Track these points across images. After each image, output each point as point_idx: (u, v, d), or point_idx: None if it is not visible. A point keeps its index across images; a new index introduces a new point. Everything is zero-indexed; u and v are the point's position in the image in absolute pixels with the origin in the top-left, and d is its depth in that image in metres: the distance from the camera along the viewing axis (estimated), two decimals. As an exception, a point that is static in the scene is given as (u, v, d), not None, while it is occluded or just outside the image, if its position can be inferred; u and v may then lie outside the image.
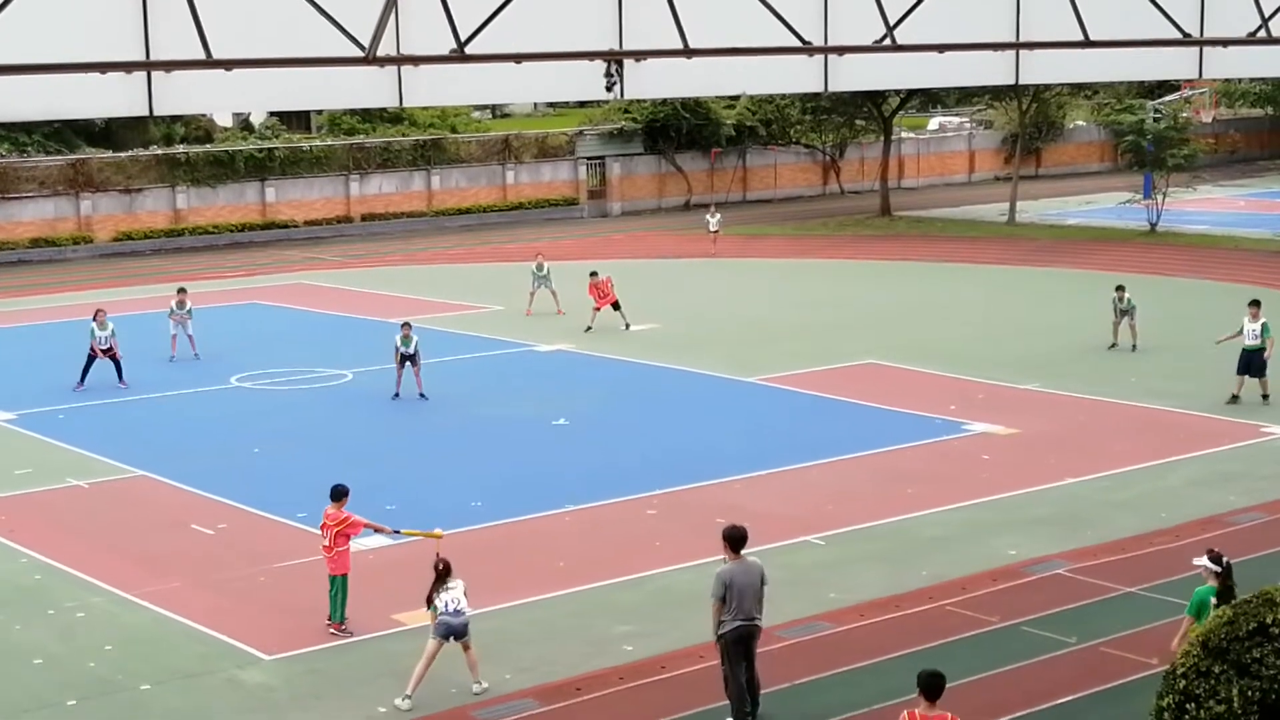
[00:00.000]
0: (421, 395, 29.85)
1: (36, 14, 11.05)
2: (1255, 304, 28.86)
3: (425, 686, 15.75)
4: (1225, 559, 14.85)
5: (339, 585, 17.75)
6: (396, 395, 29.88)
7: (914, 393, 29.75)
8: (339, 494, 17.72)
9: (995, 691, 15.84)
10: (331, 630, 17.75)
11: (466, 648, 15.93)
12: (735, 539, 15.11)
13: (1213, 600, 14.44)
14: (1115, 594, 18.49)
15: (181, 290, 35.09)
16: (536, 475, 24.51)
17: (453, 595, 15.78)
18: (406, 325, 30.23)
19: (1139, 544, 20.14)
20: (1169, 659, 14.09)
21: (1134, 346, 33.42)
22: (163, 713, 15.86)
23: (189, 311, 34.48)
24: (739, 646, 14.97)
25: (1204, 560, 14.92)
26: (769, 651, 16.30)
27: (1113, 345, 33.58)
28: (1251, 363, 28.21)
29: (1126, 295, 33.89)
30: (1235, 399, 28.12)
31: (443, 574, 15.90)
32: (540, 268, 40.01)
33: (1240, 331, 28.51)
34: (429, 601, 15.95)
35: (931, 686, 12.11)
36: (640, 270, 47.21)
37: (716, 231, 52.19)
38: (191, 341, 34.32)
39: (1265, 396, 28.13)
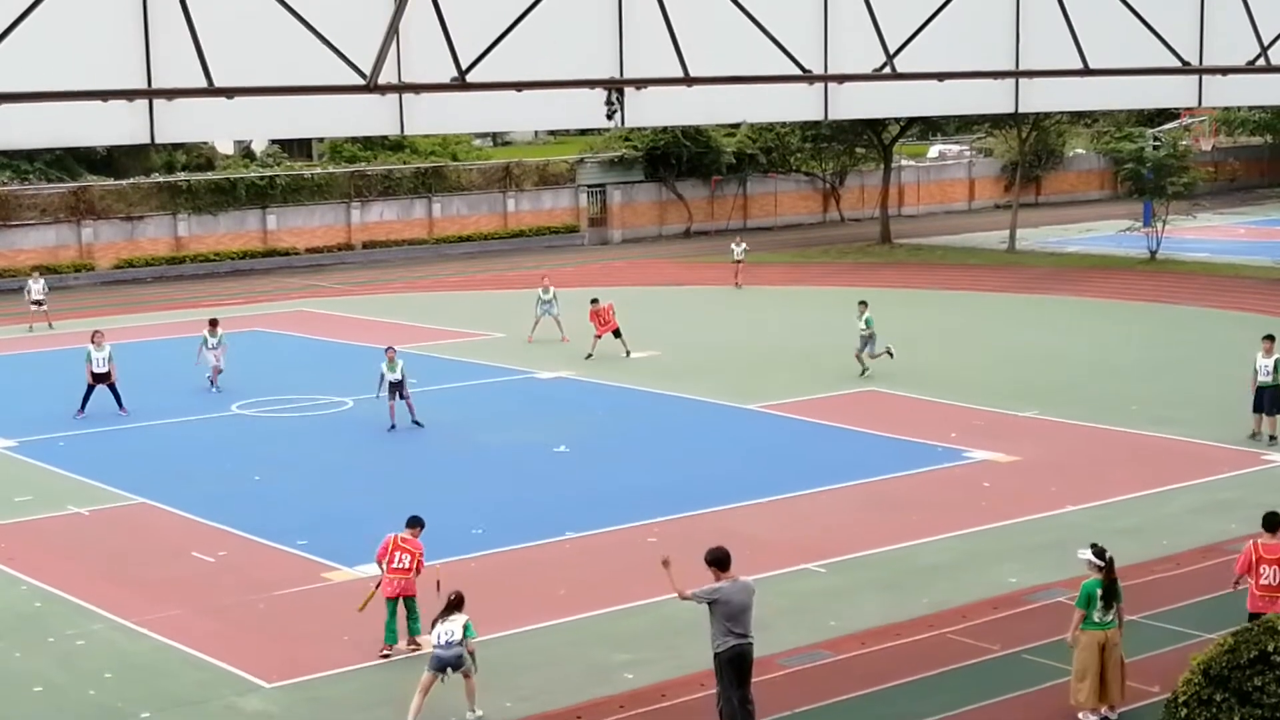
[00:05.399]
0: (416, 422, 29.74)
1: (39, 42, 11.07)
2: (1269, 339, 27.64)
3: (425, 714, 15.71)
4: (1108, 553, 15.60)
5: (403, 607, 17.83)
6: (393, 427, 29.68)
7: (914, 420, 29.75)
8: (414, 522, 17.93)
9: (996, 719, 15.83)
10: (384, 652, 17.76)
11: (467, 676, 15.91)
12: (721, 559, 15.00)
13: (1099, 592, 15.35)
14: (1116, 622, 18.45)
15: (213, 322, 34.87)
16: (537, 502, 24.50)
17: (448, 628, 15.78)
18: (391, 350, 30.13)
19: (1140, 572, 20.08)
20: (1076, 648, 15.44)
21: (863, 371, 33.86)
22: (162, 741, 15.86)
23: (220, 340, 34.36)
24: (734, 666, 14.85)
25: (1087, 554, 15.71)
26: (769, 679, 16.28)
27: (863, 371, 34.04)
28: (1265, 399, 27.35)
29: (866, 314, 33.96)
30: (1256, 436, 27.35)
31: (450, 605, 15.91)
32: (546, 291, 39.90)
33: (1255, 369, 27.46)
34: (434, 625, 15.98)
35: (1273, 522, 15.91)
36: (641, 298, 47.24)
37: (740, 261, 50.96)
38: (215, 373, 34.07)
39: (1273, 438, 27.21)
